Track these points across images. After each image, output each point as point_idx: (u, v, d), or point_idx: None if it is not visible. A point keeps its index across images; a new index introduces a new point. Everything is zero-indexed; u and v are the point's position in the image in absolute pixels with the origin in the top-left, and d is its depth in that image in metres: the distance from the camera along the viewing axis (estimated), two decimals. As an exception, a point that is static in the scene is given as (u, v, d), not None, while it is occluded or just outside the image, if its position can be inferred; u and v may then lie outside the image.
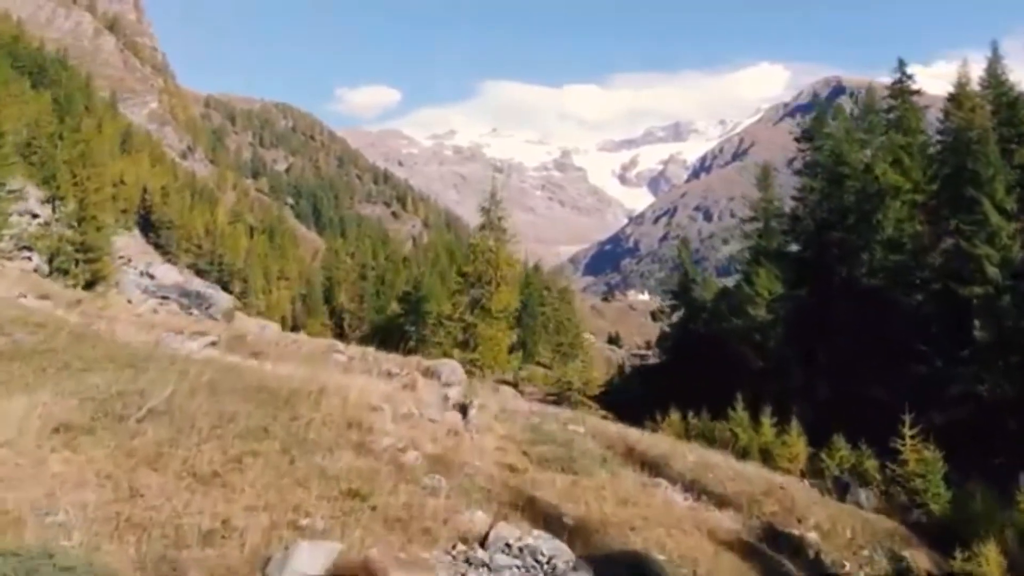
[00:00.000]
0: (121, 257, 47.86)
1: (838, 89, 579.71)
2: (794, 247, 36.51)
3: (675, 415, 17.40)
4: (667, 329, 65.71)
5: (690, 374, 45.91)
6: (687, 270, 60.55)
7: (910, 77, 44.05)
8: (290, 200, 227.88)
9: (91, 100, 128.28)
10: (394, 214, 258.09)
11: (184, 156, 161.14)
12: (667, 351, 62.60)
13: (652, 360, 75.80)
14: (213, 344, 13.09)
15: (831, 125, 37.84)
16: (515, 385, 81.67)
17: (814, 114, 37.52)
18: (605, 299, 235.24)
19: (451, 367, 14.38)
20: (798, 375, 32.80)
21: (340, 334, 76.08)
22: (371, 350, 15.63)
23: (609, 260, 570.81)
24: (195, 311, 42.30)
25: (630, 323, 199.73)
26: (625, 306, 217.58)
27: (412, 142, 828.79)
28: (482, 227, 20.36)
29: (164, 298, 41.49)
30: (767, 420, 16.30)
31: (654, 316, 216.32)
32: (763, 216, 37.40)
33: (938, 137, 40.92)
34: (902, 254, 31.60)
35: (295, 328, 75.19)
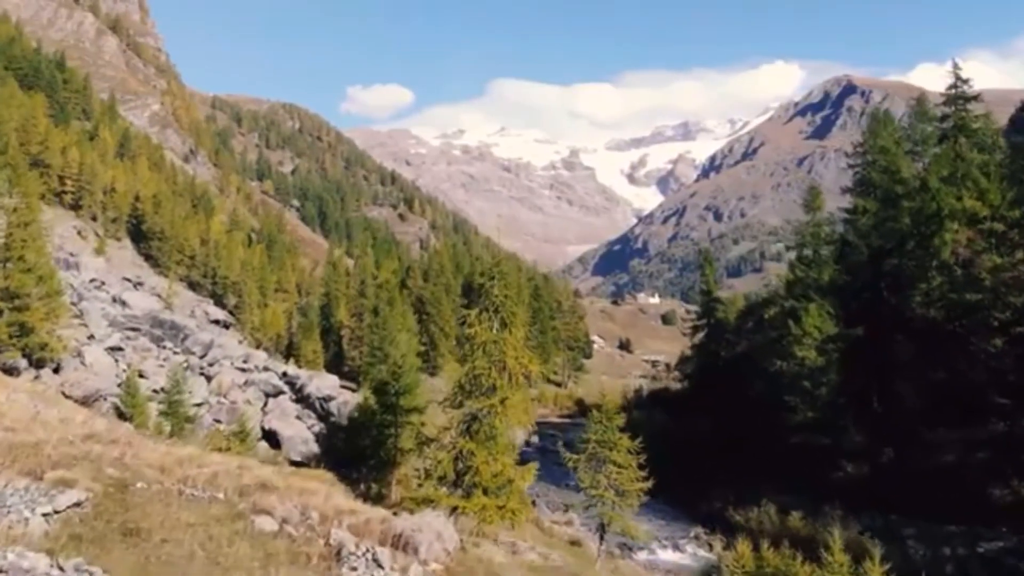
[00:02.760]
0: (93, 280, 43.59)
1: (849, 88, 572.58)
2: (844, 277, 31.88)
3: (744, 547, 12.76)
4: (688, 352, 61.07)
5: (720, 415, 41.33)
6: (710, 289, 55.92)
7: (965, 81, 39.43)
8: (296, 202, 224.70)
9: (89, 103, 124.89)
10: (401, 216, 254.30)
11: (186, 159, 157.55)
12: (690, 376, 57.98)
13: (670, 377, 71.08)
14: (77, 506, 8.83)
15: (884, 137, 33.17)
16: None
17: (869, 125, 32.77)
18: (615, 302, 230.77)
19: (435, 530, 9.94)
20: (853, 431, 28.20)
21: (339, 352, 71.82)
22: (319, 496, 11.19)
23: (618, 260, 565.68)
24: (168, 344, 38.07)
25: (641, 326, 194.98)
26: (635, 309, 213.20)
27: (420, 141, 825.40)
28: (482, 309, 15.35)
29: (134, 330, 37.27)
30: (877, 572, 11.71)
31: (665, 319, 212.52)
32: (811, 243, 32.80)
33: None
34: (978, 291, 26.92)
35: (290, 348, 71.06)
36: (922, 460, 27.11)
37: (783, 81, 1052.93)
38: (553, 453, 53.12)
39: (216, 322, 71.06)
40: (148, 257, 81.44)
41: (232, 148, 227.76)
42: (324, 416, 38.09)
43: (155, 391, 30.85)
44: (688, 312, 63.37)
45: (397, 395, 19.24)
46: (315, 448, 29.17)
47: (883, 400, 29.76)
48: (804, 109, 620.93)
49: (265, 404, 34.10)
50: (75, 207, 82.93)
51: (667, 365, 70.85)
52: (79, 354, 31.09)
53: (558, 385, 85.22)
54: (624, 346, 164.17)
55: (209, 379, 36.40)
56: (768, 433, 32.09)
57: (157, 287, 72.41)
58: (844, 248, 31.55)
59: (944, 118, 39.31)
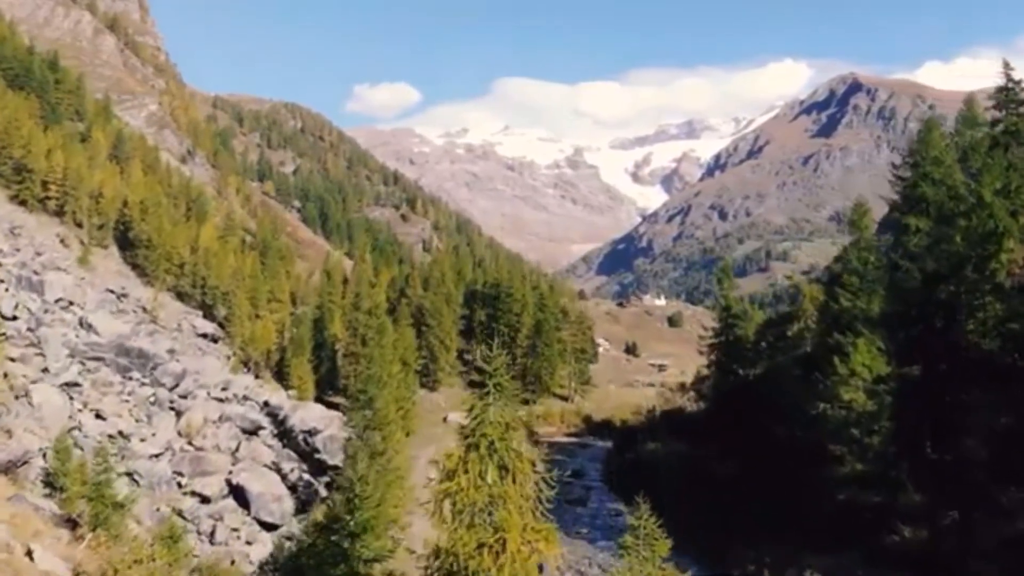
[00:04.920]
0: (59, 300, 39.94)
1: (854, 86, 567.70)
2: (893, 305, 28.01)
3: None
4: (704, 370, 57.30)
5: (747, 452, 37.54)
6: (728, 303, 52.14)
7: (1018, 82, 35.65)
8: (297, 203, 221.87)
9: (82, 104, 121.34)
10: (403, 217, 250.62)
11: (184, 160, 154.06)
12: (708, 397, 54.25)
13: (685, 398, 67.18)
14: None
15: (937, 146, 29.33)
16: (529, 426, 73.34)
17: (919, 133, 28.96)
18: (620, 304, 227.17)
19: None
20: (911, 488, 24.43)
21: (333, 368, 68.02)
22: None
23: (622, 259, 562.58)
24: (136, 375, 34.39)
25: (647, 329, 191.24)
26: (641, 311, 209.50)
27: (424, 140, 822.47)
28: (469, 446, 10.68)
29: (97, 360, 33.59)
30: None
31: (671, 321, 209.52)
32: (860, 268, 28.87)
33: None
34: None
35: (281, 363, 67.25)
36: (992, 525, 23.33)
37: (790, 79, 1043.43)
38: (561, 485, 49.31)
39: (204, 336, 67.50)
40: (135, 266, 77.75)
41: (233, 148, 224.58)
42: (308, 454, 34.47)
43: (111, 436, 27.17)
44: (705, 329, 59.57)
45: (352, 536, 14.98)
46: (289, 507, 25.51)
47: (941, 450, 25.99)
48: (809, 107, 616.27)
49: (237, 448, 30.38)
50: (59, 213, 79.37)
51: (682, 385, 66.98)
52: (26, 393, 27.47)
53: (564, 399, 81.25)
54: (630, 350, 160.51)
55: (179, 414, 32.79)
56: (806, 483, 28.34)
57: (142, 299, 68.83)
58: (893, 272, 27.81)
59: (995, 123, 35.49)
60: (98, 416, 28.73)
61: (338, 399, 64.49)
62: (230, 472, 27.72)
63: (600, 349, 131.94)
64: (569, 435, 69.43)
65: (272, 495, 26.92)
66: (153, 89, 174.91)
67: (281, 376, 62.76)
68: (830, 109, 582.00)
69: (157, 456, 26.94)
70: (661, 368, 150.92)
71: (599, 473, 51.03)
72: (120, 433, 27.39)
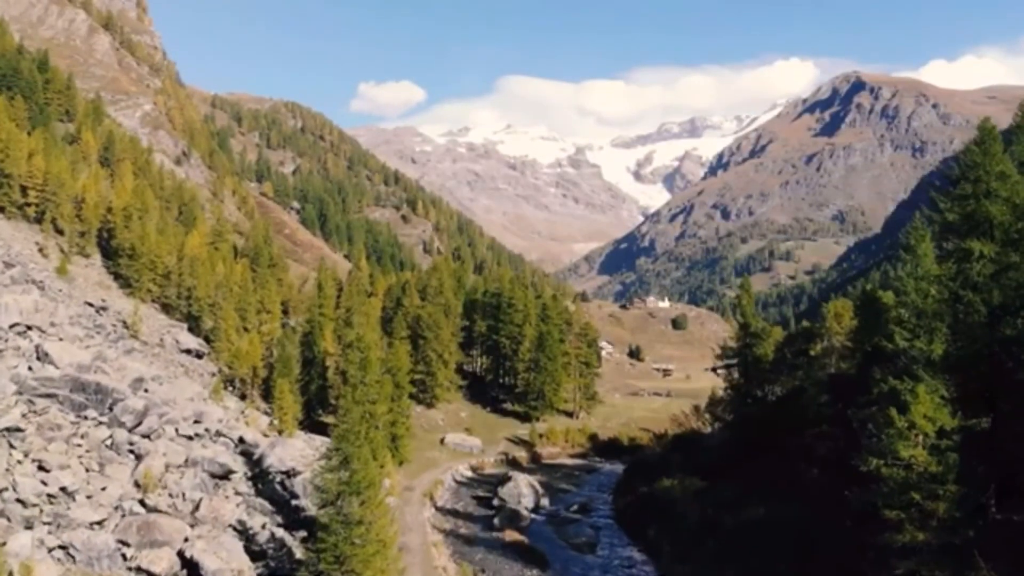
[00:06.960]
0: (15, 326, 36.19)
1: (857, 85, 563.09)
2: (955, 344, 24.27)
3: None
4: (721, 392, 53.54)
5: (773, 498, 33.71)
6: (748, 321, 48.42)
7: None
8: (296, 204, 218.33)
9: (73, 104, 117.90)
10: (404, 218, 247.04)
11: (178, 162, 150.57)
12: (726, 422, 50.54)
13: (699, 420, 63.36)
14: None
15: (999, 159, 25.53)
16: (532, 446, 69.56)
17: (977, 143, 25.19)
18: (623, 306, 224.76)
19: None
20: (981, 562, 20.70)
21: (323, 385, 64.19)
22: None
23: (624, 259, 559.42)
24: (92, 413, 30.64)
25: (651, 331, 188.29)
26: (644, 313, 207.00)
27: (426, 139, 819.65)
28: None
29: (47, 397, 29.84)
30: None
31: (675, 324, 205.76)
32: (919, 300, 24.98)
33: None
34: None
35: (268, 382, 63.34)
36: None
37: (795, 78, 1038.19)
38: (568, 523, 45.41)
39: (187, 351, 63.89)
40: (118, 276, 73.94)
41: (231, 148, 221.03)
42: (284, 502, 30.74)
43: (51, 496, 23.43)
44: (721, 348, 55.73)
45: None
46: (251, 586, 21.85)
47: (1008, 511, 22.30)
48: (812, 106, 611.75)
49: (197, 506, 26.58)
50: (39, 220, 75.68)
51: (696, 408, 63.05)
52: (-46, 445, 23.79)
53: (569, 415, 77.29)
54: (634, 354, 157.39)
55: (139, 458, 29.06)
56: (849, 544, 24.65)
57: (124, 311, 65.11)
58: (954, 305, 24.05)
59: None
60: (41, 468, 25.05)
61: (329, 419, 60.81)
62: (185, 540, 23.94)
63: (604, 353, 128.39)
64: (574, 456, 65.56)
65: (232, 571, 23.17)
66: (148, 89, 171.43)
67: (268, 395, 58.98)
68: (833, 108, 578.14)
69: (100, 523, 23.24)
70: (666, 373, 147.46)
71: (608, 507, 47.09)
72: (63, 490, 23.75)
